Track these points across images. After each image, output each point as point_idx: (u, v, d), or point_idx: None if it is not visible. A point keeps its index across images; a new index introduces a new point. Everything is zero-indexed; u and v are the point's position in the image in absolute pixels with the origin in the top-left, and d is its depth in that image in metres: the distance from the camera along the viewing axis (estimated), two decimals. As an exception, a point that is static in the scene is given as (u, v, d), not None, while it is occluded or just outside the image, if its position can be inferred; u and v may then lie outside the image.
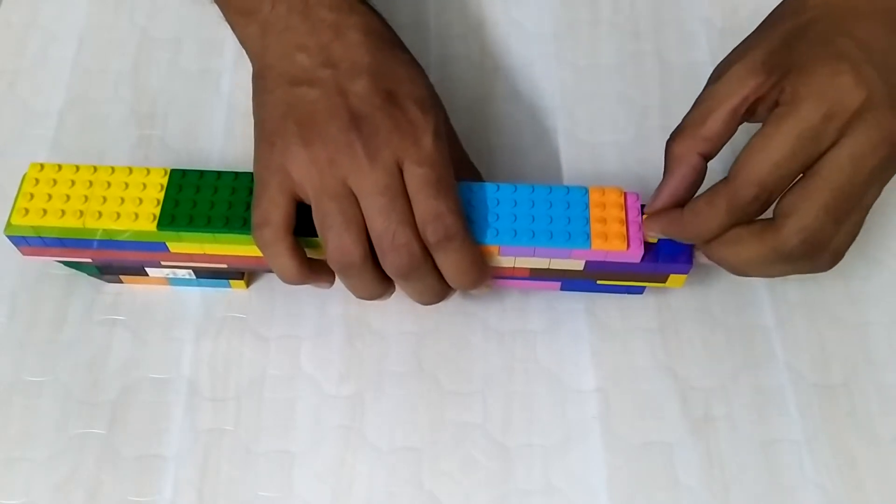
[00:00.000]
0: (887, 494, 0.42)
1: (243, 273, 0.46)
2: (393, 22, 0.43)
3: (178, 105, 0.53)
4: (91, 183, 0.41)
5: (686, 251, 0.41)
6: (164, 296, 0.47)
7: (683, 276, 0.42)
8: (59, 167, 0.42)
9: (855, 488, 0.43)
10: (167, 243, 0.42)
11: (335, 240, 0.38)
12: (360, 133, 0.38)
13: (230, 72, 0.55)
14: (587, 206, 0.41)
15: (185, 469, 0.43)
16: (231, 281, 0.47)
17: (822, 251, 0.37)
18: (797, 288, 0.47)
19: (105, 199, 0.41)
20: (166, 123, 0.53)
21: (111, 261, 0.44)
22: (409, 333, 0.47)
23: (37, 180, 0.41)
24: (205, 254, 0.42)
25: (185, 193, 0.41)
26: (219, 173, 0.42)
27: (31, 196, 0.41)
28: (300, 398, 0.45)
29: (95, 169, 0.42)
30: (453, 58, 0.56)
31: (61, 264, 0.46)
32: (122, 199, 0.41)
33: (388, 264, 0.38)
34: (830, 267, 0.39)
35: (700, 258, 0.41)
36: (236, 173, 0.42)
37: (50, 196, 0.41)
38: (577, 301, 0.47)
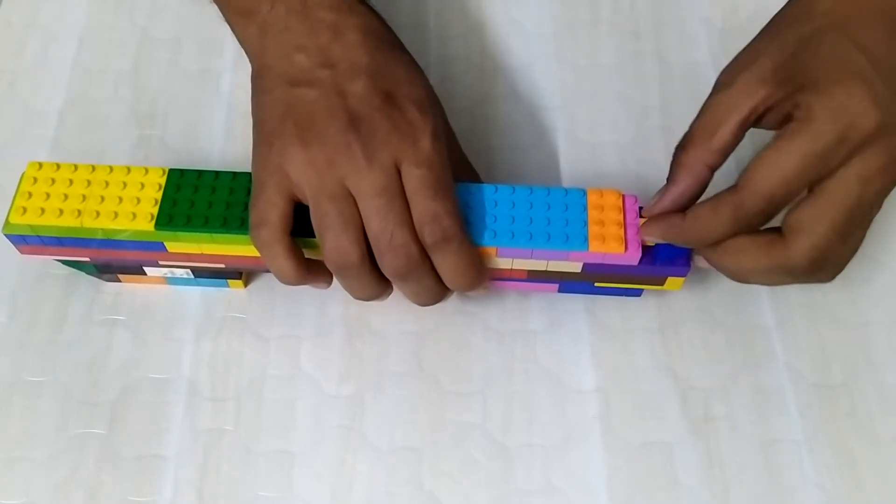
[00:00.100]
0: (887, 494, 0.42)
1: (241, 273, 0.46)
2: (392, 22, 0.43)
3: (178, 105, 0.53)
4: (89, 182, 0.41)
5: (684, 254, 0.41)
6: (164, 296, 0.47)
7: (681, 279, 0.42)
8: (58, 166, 0.42)
9: (855, 488, 0.43)
10: (165, 243, 0.42)
11: (333, 240, 0.38)
12: (359, 134, 0.38)
13: (230, 72, 0.55)
14: (585, 209, 0.41)
15: (185, 469, 0.43)
16: (229, 281, 0.47)
17: (827, 266, 0.38)
18: (797, 288, 0.47)
19: (103, 198, 0.41)
20: (166, 123, 0.53)
21: (109, 260, 0.44)
22: (409, 333, 0.47)
23: (35, 179, 0.41)
24: (202, 254, 0.42)
25: (183, 193, 0.41)
26: (217, 173, 0.42)
27: (29, 195, 0.41)
28: (300, 398, 0.45)
29: (93, 168, 0.42)
30: (453, 58, 0.56)
31: (61, 264, 0.46)
32: (120, 199, 0.41)
33: (386, 265, 0.38)
34: (831, 279, 0.39)
35: (698, 262, 0.41)
36: (234, 173, 0.42)
37: (48, 195, 0.41)
38: (577, 301, 0.47)
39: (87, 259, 0.44)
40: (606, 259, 0.41)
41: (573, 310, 0.47)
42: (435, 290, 0.41)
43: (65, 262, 0.45)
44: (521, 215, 0.40)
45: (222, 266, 0.44)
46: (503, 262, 0.41)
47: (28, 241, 0.42)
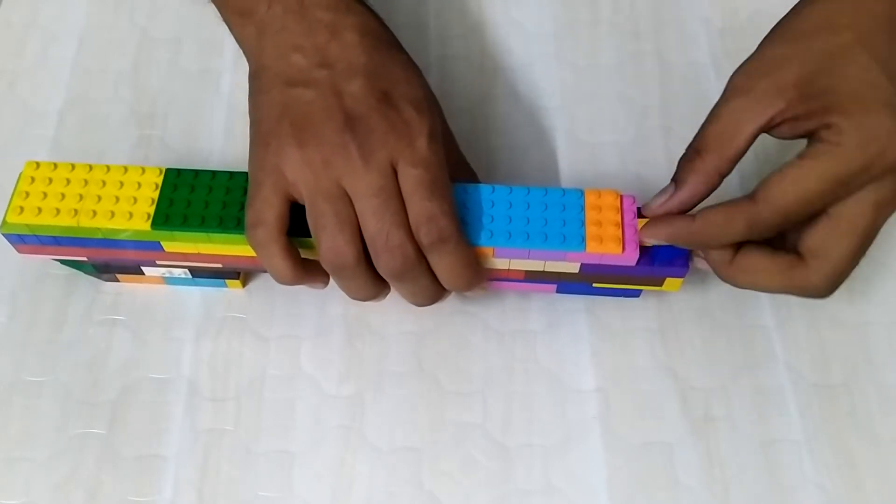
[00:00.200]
0: (887, 494, 0.42)
1: (239, 273, 0.46)
2: (392, 22, 0.43)
3: (178, 105, 0.53)
4: (86, 182, 0.41)
5: (682, 255, 0.41)
6: (164, 296, 0.47)
7: (680, 280, 0.42)
8: (55, 166, 0.42)
9: (855, 488, 0.43)
10: (162, 243, 0.42)
11: (329, 241, 0.38)
12: (355, 134, 0.38)
13: (230, 72, 0.55)
14: (583, 209, 0.41)
15: (185, 469, 0.43)
16: (227, 281, 0.47)
17: (837, 286, 0.39)
18: (797, 288, 0.47)
19: (100, 197, 0.41)
20: (166, 123, 0.53)
21: (106, 260, 0.44)
22: (409, 333, 0.47)
23: (32, 179, 0.41)
24: (199, 253, 0.42)
25: (180, 193, 0.41)
26: (214, 173, 0.42)
27: (27, 194, 0.41)
28: (300, 398, 0.45)
29: (90, 168, 0.42)
30: (453, 58, 0.56)
31: (60, 264, 0.46)
32: (117, 198, 0.41)
33: (382, 266, 0.38)
34: (830, 294, 0.40)
35: (697, 263, 0.41)
36: (231, 173, 0.42)
37: (45, 194, 0.41)
38: (577, 301, 0.47)
39: (84, 258, 0.44)
40: (604, 259, 0.40)
41: (573, 310, 0.47)
42: (431, 290, 0.41)
43: (63, 262, 0.45)
44: (519, 216, 0.40)
45: (220, 266, 0.44)
46: (500, 263, 0.41)
47: (26, 240, 0.42)
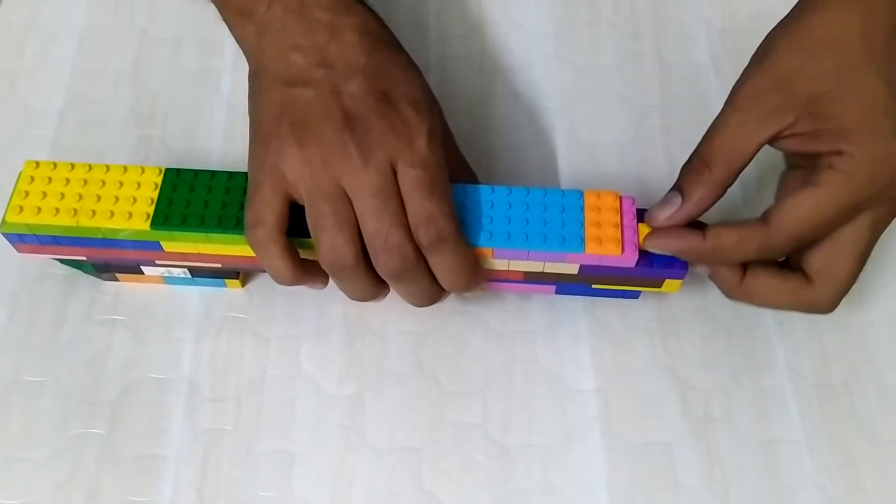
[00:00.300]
0: (887, 494, 0.42)
1: (238, 273, 0.46)
2: (392, 22, 0.43)
3: (178, 105, 0.53)
4: (86, 181, 0.41)
5: None
6: (164, 296, 0.47)
7: (679, 281, 0.42)
8: (54, 165, 0.42)
9: (855, 488, 0.43)
10: (161, 242, 0.42)
11: (328, 241, 0.38)
12: (354, 134, 0.38)
13: (230, 72, 0.55)
14: (582, 210, 0.40)
15: (185, 469, 0.43)
16: (227, 280, 0.47)
17: (840, 300, 0.41)
18: (797, 288, 0.47)
19: (99, 197, 0.41)
20: (166, 123, 0.53)
21: (106, 259, 0.44)
22: (409, 333, 0.47)
23: (32, 178, 0.41)
24: (199, 253, 0.42)
25: (180, 193, 0.41)
26: (213, 173, 0.42)
27: (26, 194, 0.41)
28: (300, 398, 0.45)
29: (90, 167, 0.42)
30: (453, 58, 0.56)
31: (60, 264, 0.46)
32: (117, 198, 0.41)
33: (381, 266, 0.38)
34: (834, 309, 0.41)
35: (696, 267, 0.41)
36: (230, 173, 0.42)
37: (45, 194, 0.41)
38: (577, 302, 0.47)
39: (84, 258, 0.44)
40: (603, 261, 0.40)
41: (573, 310, 0.47)
42: (430, 290, 0.41)
43: (63, 261, 0.45)
44: (518, 216, 0.40)
45: (219, 266, 0.44)
46: (499, 264, 0.41)
47: (25, 239, 0.42)
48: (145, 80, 0.54)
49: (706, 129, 0.40)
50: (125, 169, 0.42)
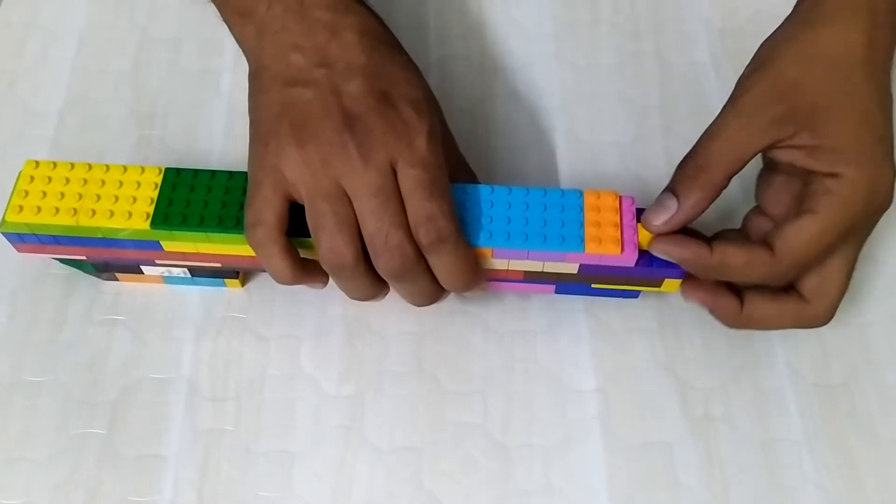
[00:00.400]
0: (887, 494, 0.42)
1: (238, 272, 0.46)
2: (392, 22, 0.43)
3: (178, 105, 0.53)
4: (85, 181, 0.41)
5: None
6: (164, 296, 0.47)
7: (678, 281, 0.42)
8: (55, 165, 0.42)
9: (855, 488, 0.43)
10: (161, 242, 0.42)
11: (328, 241, 0.38)
12: (354, 134, 0.38)
13: (230, 72, 0.55)
14: (582, 210, 0.41)
15: (185, 469, 0.43)
16: (226, 280, 0.47)
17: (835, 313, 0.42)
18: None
19: (99, 197, 0.41)
20: (166, 123, 0.53)
21: (106, 259, 0.44)
22: (409, 333, 0.47)
23: (32, 178, 0.41)
24: (199, 253, 0.42)
25: (180, 192, 0.41)
26: (213, 172, 0.42)
27: (26, 193, 0.41)
28: (300, 398, 0.45)
29: (90, 167, 0.42)
30: (453, 58, 0.56)
31: (60, 263, 0.46)
32: (117, 198, 0.41)
33: (381, 266, 0.38)
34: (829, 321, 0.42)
35: (693, 300, 0.42)
36: (230, 173, 0.42)
37: (45, 193, 0.41)
38: (577, 301, 0.47)
39: (83, 258, 0.44)
40: (603, 260, 0.40)
41: (573, 310, 0.47)
42: (430, 290, 0.41)
43: (63, 261, 0.45)
44: (518, 216, 0.40)
45: (219, 265, 0.44)
46: (499, 263, 0.41)
47: (25, 239, 0.42)
48: (145, 80, 0.54)
49: (704, 130, 0.40)
50: (125, 168, 0.42)
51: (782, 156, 0.39)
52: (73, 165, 0.42)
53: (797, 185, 0.41)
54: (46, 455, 0.43)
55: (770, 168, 0.42)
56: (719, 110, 0.40)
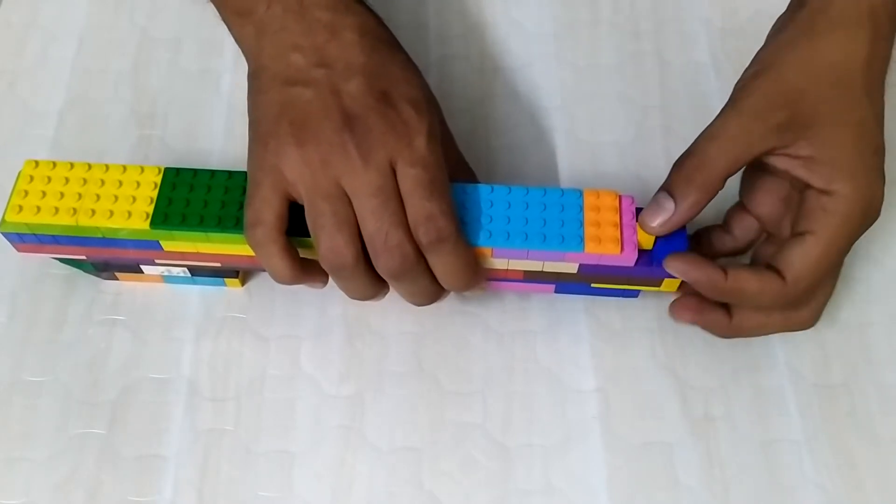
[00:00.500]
0: (887, 494, 0.42)
1: (238, 272, 0.46)
2: (392, 22, 0.43)
3: (178, 105, 0.53)
4: (85, 181, 0.41)
5: None
6: (164, 296, 0.47)
7: (678, 280, 0.42)
8: (54, 164, 0.42)
9: (855, 488, 0.43)
10: (161, 242, 0.42)
11: (327, 240, 0.38)
12: (354, 133, 0.38)
13: (230, 72, 0.55)
14: (581, 209, 0.41)
15: (185, 469, 0.43)
16: (226, 279, 0.47)
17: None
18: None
19: (99, 196, 0.41)
20: (166, 123, 0.53)
21: (106, 258, 0.44)
22: (409, 333, 0.47)
23: (31, 177, 0.41)
24: (198, 252, 0.42)
25: (179, 192, 0.41)
26: (212, 172, 0.42)
27: (26, 193, 0.41)
28: (300, 398, 0.45)
29: (90, 167, 0.42)
30: (453, 58, 0.56)
31: (60, 263, 0.46)
32: (116, 197, 0.41)
33: (381, 265, 0.38)
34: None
35: (683, 320, 0.44)
36: (230, 172, 0.42)
37: (44, 193, 0.41)
38: (577, 301, 0.47)
39: (83, 257, 0.44)
40: (602, 260, 0.40)
41: (573, 310, 0.47)
42: (430, 290, 0.41)
43: (62, 260, 0.45)
44: (517, 216, 0.40)
45: (218, 265, 0.44)
46: (499, 263, 0.41)
47: (24, 239, 0.42)
48: (145, 80, 0.54)
49: (704, 129, 0.40)
50: (124, 168, 0.42)
51: (778, 163, 0.40)
52: (72, 165, 0.42)
53: (785, 188, 0.41)
54: (46, 455, 0.43)
55: (757, 167, 0.42)
56: (719, 110, 0.40)
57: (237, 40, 0.43)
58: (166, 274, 0.46)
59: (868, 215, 0.39)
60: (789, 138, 0.39)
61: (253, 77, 0.41)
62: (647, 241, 0.41)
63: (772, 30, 0.43)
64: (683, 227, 0.41)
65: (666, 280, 0.42)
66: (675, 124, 0.53)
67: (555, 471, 0.43)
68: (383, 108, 0.38)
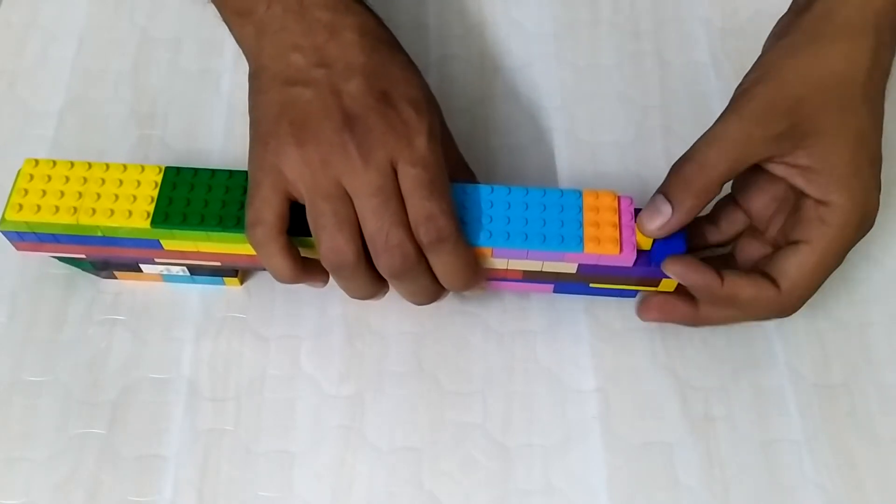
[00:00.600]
0: (887, 494, 0.42)
1: (237, 271, 0.46)
2: (392, 22, 0.43)
3: (178, 105, 0.53)
4: (85, 179, 0.41)
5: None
6: (164, 296, 0.47)
7: (675, 281, 0.42)
8: (54, 163, 0.42)
9: (855, 488, 0.43)
10: (161, 241, 0.42)
11: (328, 240, 0.38)
12: (354, 133, 0.38)
13: (230, 72, 0.55)
14: (581, 210, 0.41)
15: (185, 469, 0.43)
16: (225, 278, 0.47)
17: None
18: (797, 288, 0.47)
19: (99, 195, 0.41)
20: (166, 123, 0.53)
21: (105, 257, 0.44)
22: (409, 333, 0.47)
23: (31, 176, 0.41)
24: (198, 252, 0.42)
25: (180, 191, 0.41)
26: (213, 171, 0.42)
27: (26, 192, 0.41)
28: (300, 398, 0.45)
29: (90, 166, 0.42)
30: (453, 58, 0.56)
31: (60, 263, 0.46)
32: (117, 196, 0.41)
33: (382, 265, 0.38)
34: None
35: (649, 318, 0.44)
36: (230, 172, 0.42)
37: (44, 192, 0.41)
38: (577, 301, 0.47)
39: (83, 256, 0.44)
40: (601, 260, 0.41)
41: (573, 310, 0.47)
42: (431, 289, 0.41)
43: (62, 259, 0.45)
44: (517, 216, 0.40)
45: (219, 264, 0.44)
46: (499, 263, 0.41)
47: (24, 237, 0.42)
48: (145, 80, 0.54)
49: (703, 133, 0.40)
50: (125, 167, 0.42)
51: (775, 170, 0.40)
52: (72, 164, 0.42)
53: (780, 188, 0.41)
54: (46, 455, 0.43)
55: (754, 165, 0.42)
56: (719, 110, 0.40)
57: (237, 40, 0.43)
58: (165, 273, 0.46)
59: (863, 226, 0.40)
60: (787, 147, 0.39)
61: (253, 77, 0.41)
62: (646, 242, 0.41)
63: (773, 31, 0.43)
64: (682, 229, 0.41)
65: (664, 280, 0.42)
66: (675, 124, 0.53)
67: (555, 471, 0.43)
68: (383, 108, 0.38)
